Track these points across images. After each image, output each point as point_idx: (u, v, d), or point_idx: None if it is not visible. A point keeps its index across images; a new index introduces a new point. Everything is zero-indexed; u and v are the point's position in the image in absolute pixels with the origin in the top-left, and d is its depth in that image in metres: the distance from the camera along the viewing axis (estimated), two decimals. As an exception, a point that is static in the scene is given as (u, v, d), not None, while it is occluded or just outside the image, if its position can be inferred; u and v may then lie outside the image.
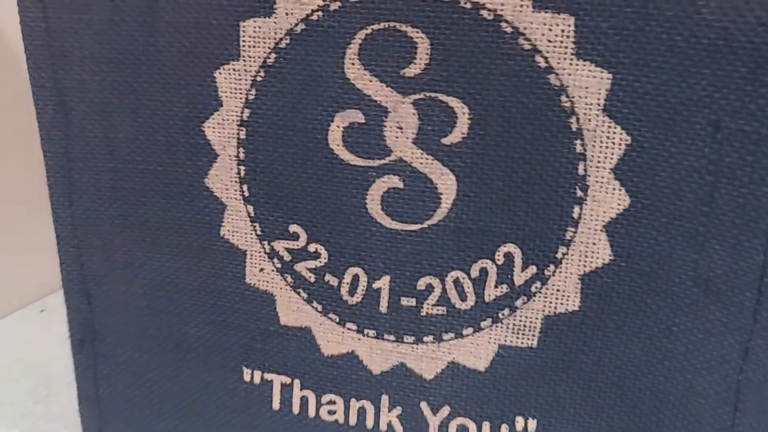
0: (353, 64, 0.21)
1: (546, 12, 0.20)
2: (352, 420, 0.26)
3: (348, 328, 0.25)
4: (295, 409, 0.26)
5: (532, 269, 0.22)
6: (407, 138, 0.22)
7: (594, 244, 0.22)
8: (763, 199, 0.19)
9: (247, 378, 0.26)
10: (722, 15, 0.18)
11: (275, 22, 0.22)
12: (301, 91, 0.22)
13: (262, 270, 0.25)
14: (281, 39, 0.22)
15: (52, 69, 0.24)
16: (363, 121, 0.22)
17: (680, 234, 0.20)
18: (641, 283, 0.21)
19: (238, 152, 0.23)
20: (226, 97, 0.23)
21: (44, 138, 0.25)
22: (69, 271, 0.27)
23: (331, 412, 0.26)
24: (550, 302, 0.23)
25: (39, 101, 0.24)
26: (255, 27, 0.22)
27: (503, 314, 0.23)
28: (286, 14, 0.21)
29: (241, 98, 0.23)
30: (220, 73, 0.23)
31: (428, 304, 0.24)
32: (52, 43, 0.23)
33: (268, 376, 0.26)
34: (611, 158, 0.20)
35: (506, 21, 0.20)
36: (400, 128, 0.22)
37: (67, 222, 0.26)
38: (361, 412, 0.26)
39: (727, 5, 0.18)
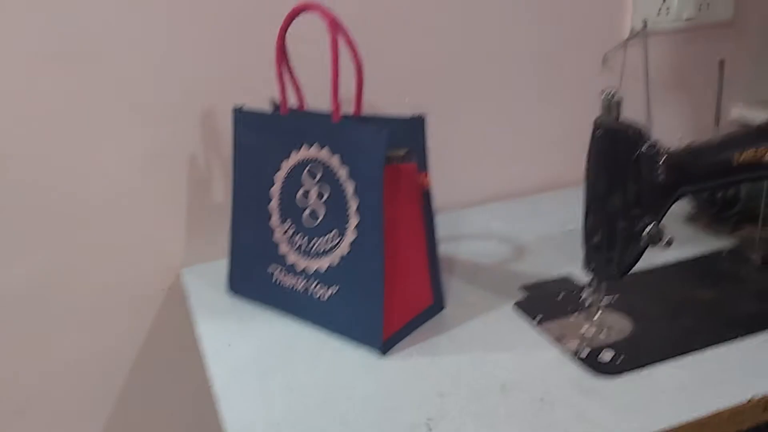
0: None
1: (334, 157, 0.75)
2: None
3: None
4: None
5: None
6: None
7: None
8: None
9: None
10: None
11: (289, 163, 0.80)
12: (293, 182, 0.80)
13: (279, 235, 0.82)
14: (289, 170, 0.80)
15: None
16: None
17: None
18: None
19: (277, 203, 0.82)
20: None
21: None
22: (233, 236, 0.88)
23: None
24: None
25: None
26: (285, 163, 0.80)
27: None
28: (291, 161, 0.79)
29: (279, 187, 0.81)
30: (275, 175, 0.81)
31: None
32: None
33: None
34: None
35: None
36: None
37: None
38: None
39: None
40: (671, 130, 1.21)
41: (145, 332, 1.00)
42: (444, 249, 0.96)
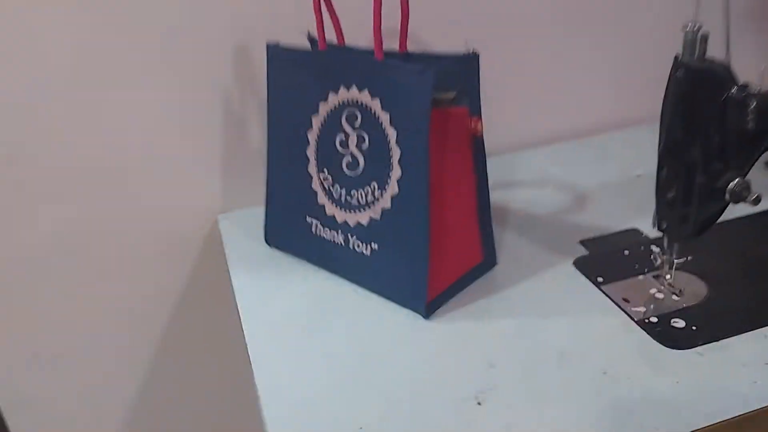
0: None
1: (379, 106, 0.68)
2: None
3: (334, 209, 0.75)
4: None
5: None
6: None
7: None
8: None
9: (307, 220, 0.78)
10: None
11: (327, 106, 0.73)
12: (332, 127, 0.73)
13: (317, 184, 0.76)
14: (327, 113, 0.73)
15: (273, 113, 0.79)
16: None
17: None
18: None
19: (314, 149, 0.75)
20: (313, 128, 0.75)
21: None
22: (269, 184, 0.81)
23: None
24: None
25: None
26: (323, 106, 0.73)
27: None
28: (330, 104, 0.72)
29: (316, 132, 0.74)
30: (312, 117, 0.75)
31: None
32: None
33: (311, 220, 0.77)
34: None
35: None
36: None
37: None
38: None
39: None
40: (753, 67, 1.09)
41: (184, 278, 0.97)
42: (496, 198, 0.89)
